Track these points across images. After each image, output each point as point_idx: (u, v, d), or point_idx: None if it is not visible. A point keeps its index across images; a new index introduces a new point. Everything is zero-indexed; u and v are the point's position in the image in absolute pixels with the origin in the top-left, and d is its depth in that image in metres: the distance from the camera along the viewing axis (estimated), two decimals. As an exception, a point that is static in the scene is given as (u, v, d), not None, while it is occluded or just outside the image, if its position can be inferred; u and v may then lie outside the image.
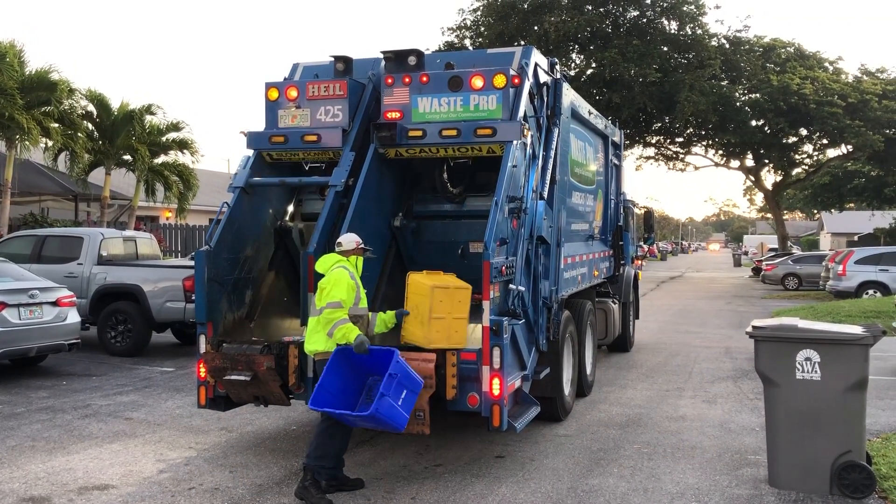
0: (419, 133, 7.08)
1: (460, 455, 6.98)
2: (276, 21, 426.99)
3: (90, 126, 22.17)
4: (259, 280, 7.62)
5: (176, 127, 23.63)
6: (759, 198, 71.11)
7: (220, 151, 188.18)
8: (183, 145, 23.82)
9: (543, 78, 7.98)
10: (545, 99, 7.99)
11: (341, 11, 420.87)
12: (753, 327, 6.15)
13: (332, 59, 7.92)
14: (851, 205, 51.92)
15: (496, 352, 6.13)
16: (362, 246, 6.30)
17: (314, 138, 7.38)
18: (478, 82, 6.99)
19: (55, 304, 10.55)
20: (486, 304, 6.15)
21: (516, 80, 7.17)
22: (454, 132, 6.98)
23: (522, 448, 7.23)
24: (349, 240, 6.27)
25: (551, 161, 7.87)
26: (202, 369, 6.84)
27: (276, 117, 7.55)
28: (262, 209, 7.70)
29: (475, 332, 7.32)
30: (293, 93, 7.49)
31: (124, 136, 22.18)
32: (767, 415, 6.18)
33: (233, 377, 6.59)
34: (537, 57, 7.85)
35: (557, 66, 8.51)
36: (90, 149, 21.60)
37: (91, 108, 21.96)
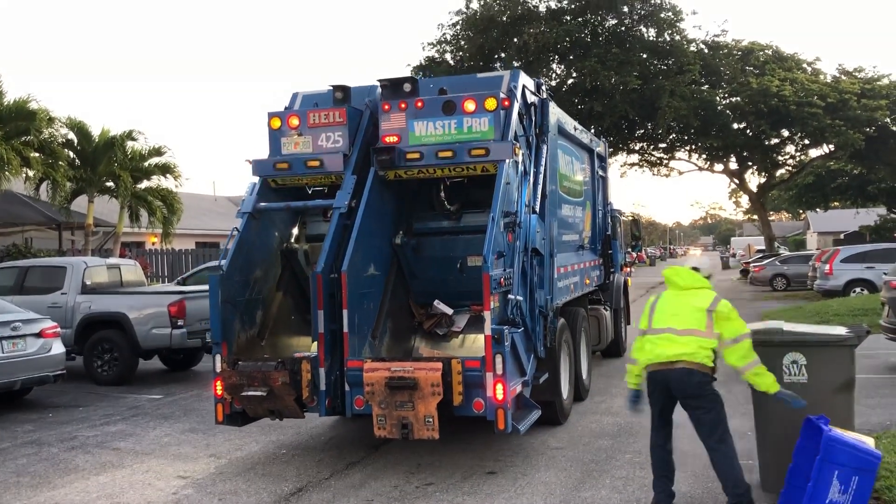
0: (416, 155, 7.44)
1: (451, 473, 6.92)
2: (253, 39, 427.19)
3: (71, 154, 22.00)
4: (268, 300, 8.01)
5: (158, 152, 23.49)
6: (744, 200, 71.44)
7: (205, 174, 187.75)
8: (166, 170, 23.68)
9: (531, 98, 8.35)
10: (533, 118, 8.38)
11: (319, 32, 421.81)
12: (741, 332, 6.12)
13: (331, 87, 8.24)
14: (836, 203, 52.18)
15: (498, 359, 6.44)
16: None
17: (317, 164, 7.74)
18: (470, 106, 7.36)
19: (39, 335, 10.43)
20: (487, 315, 6.47)
21: (506, 103, 7.62)
22: (449, 153, 7.35)
23: (514, 462, 7.18)
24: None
25: (541, 176, 8.24)
26: (219, 387, 7.13)
27: (279, 145, 7.91)
28: (269, 232, 8.10)
29: (476, 342, 7.89)
30: (295, 121, 7.84)
31: (106, 162, 22.03)
32: (756, 419, 6.18)
33: (250, 393, 6.90)
34: (525, 79, 8.23)
35: (543, 87, 8.88)
36: (72, 177, 21.42)
37: (71, 135, 21.80)
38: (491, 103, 7.32)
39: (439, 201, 8.26)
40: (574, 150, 10.53)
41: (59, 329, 10.94)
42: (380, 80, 7.92)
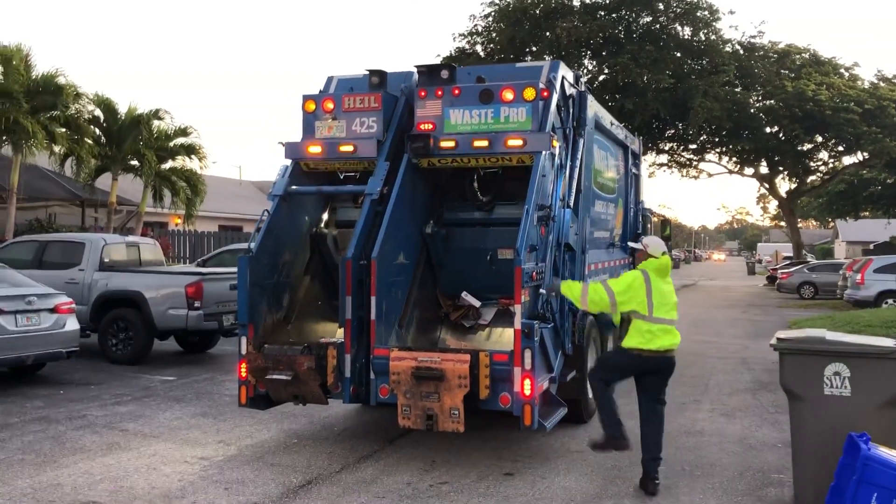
0: (451, 144, 7.27)
1: (467, 472, 6.64)
2: (284, 28, 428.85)
3: (97, 131, 21.95)
4: (296, 284, 7.91)
5: (184, 132, 23.38)
6: (772, 206, 70.45)
7: (231, 159, 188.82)
8: (191, 150, 23.56)
9: (569, 90, 8.13)
10: (571, 110, 8.16)
11: (350, 21, 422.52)
12: (778, 339, 5.80)
13: (368, 72, 8.03)
14: (866, 213, 51.24)
15: (527, 353, 6.34)
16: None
17: (350, 148, 7.58)
18: (508, 95, 7.19)
19: (53, 310, 10.28)
20: (517, 308, 6.34)
21: (545, 93, 7.33)
22: (485, 143, 7.18)
23: (533, 465, 6.88)
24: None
25: (577, 171, 8.00)
26: (244, 369, 7.09)
27: (312, 128, 7.76)
28: (299, 216, 7.98)
29: (503, 336, 7.80)
30: (330, 105, 7.71)
31: (131, 140, 21.94)
32: (793, 432, 5.82)
33: (274, 376, 6.86)
34: (564, 70, 8.01)
35: (582, 79, 8.64)
36: (97, 154, 21.36)
37: (98, 112, 21.71)
38: (530, 93, 7.13)
39: (472, 192, 8.10)
40: (609, 145, 10.31)
41: (74, 305, 10.78)
42: (417, 66, 7.77)
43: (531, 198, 6.70)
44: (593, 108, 8.95)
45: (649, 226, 13.85)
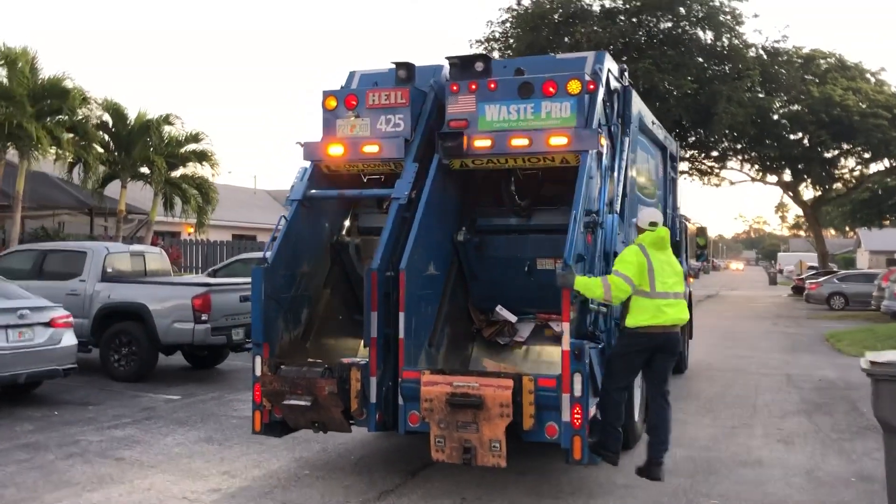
0: (487, 143, 6.65)
1: (503, 512, 5.83)
2: (298, 38, 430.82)
3: (105, 136, 21.33)
4: (315, 298, 7.31)
5: (195, 138, 22.70)
6: (790, 215, 69.26)
7: (246, 168, 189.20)
8: (202, 157, 22.86)
9: (614, 84, 7.42)
10: (615, 107, 7.45)
11: (362, 32, 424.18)
12: (872, 363, 4.97)
13: (394, 66, 7.35)
14: (886, 222, 50.09)
15: (577, 378, 5.66)
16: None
17: (375, 149, 6.99)
18: (550, 88, 6.58)
19: (48, 324, 9.52)
20: (566, 327, 5.72)
21: (591, 86, 6.69)
22: (525, 141, 6.54)
23: (577, 502, 6.06)
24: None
25: (623, 173, 7.33)
26: (258, 393, 6.53)
27: (334, 127, 7.18)
28: (319, 223, 7.39)
29: (542, 355, 7.11)
30: (353, 101, 7.12)
31: (141, 146, 21.27)
32: (890, 471, 4.98)
33: (292, 402, 6.26)
34: (609, 62, 7.32)
35: (626, 73, 7.94)
36: (105, 160, 20.73)
37: (106, 117, 21.09)
38: (574, 86, 6.46)
39: (509, 195, 7.37)
40: (650, 146, 9.63)
41: (71, 319, 10.00)
42: (448, 58, 7.13)
43: (578, 202, 6.04)
44: (637, 105, 8.28)
45: (685, 234, 13.13)
